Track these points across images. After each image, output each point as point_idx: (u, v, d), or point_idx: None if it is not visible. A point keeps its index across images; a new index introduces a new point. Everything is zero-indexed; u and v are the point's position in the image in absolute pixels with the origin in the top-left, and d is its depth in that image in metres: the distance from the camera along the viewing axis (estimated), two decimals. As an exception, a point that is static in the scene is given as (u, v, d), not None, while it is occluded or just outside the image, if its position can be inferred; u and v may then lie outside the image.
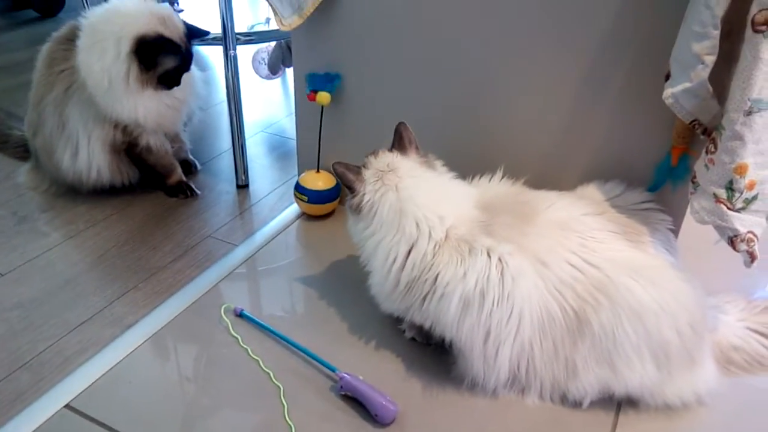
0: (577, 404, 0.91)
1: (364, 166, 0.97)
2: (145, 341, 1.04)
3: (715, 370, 0.91)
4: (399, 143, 0.99)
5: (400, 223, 0.91)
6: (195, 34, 1.34)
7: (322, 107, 1.27)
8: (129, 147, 1.40)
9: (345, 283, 1.15)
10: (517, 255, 0.87)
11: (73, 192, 1.45)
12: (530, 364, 0.88)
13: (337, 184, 1.34)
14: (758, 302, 1.03)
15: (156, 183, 1.48)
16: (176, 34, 1.29)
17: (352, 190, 0.96)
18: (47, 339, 1.05)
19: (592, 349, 0.85)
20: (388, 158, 0.97)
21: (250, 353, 1.01)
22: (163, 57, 1.28)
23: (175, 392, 0.95)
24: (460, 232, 0.90)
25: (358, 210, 0.95)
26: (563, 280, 0.86)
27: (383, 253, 0.93)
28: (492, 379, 0.90)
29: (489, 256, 0.86)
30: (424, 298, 0.90)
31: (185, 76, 1.35)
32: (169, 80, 1.31)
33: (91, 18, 1.29)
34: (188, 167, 1.56)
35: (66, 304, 1.13)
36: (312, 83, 1.26)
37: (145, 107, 1.31)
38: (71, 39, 1.31)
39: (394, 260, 0.91)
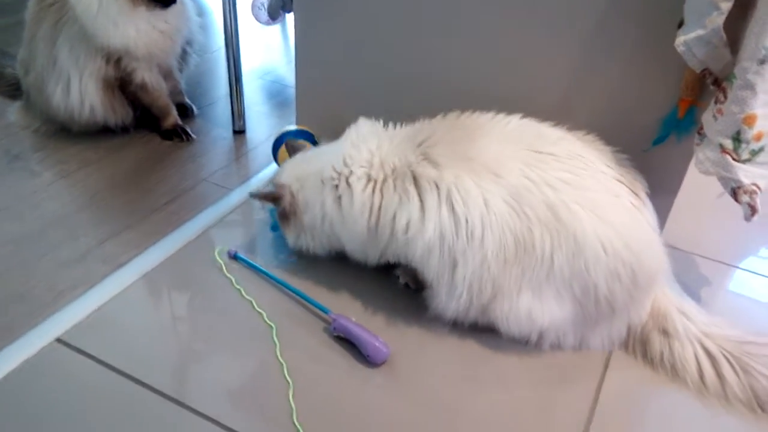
0: (497, 332, 0.90)
1: (276, 181, 1.02)
2: (137, 280, 1.03)
3: (623, 334, 0.89)
4: (293, 151, 1.07)
5: (324, 180, 0.95)
6: None
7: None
8: (123, 84, 1.37)
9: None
10: (463, 177, 0.85)
11: (65, 132, 1.42)
12: (480, 284, 0.86)
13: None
14: (730, 326, 0.91)
15: (151, 125, 1.45)
16: None
17: (278, 203, 1.00)
18: (39, 275, 1.04)
19: (525, 272, 0.83)
20: (293, 163, 1.04)
21: (243, 294, 1.00)
22: None
23: (167, 330, 0.94)
24: (396, 166, 0.90)
25: (295, 210, 0.99)
26: (518, 189, 0.83)
27: (340, 226, 0.95)
28: (452, 307, 0.89)
29: (437, 189, 0.85)
30: (390, 241, 0.91)
31: (179, 2, 1.31)
32: None
33: None
34: (185, 111, 1.53)
35: (58, 242, 1.11)
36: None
37: (136, 30, 1.28)
38: None
39: (352, 221, 0.93)
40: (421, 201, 0.86)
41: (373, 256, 0.97)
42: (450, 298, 0.88)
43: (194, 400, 0.83)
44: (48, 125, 1.43)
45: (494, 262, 0.84)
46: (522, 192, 0.83)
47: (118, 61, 1.33)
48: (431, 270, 0.88)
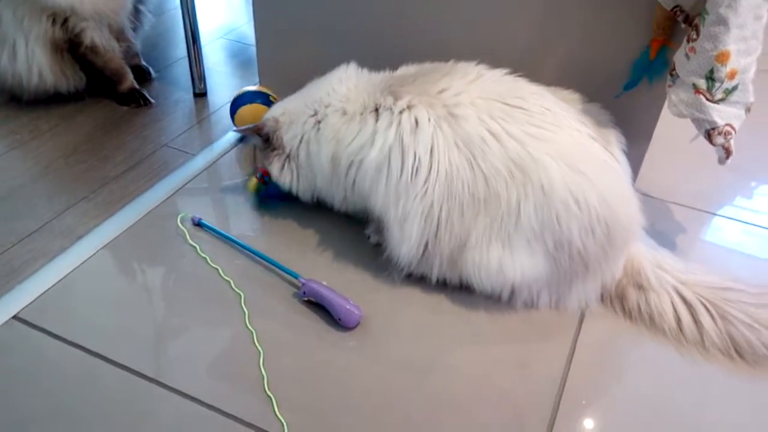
0: (469, 288, 0.89)
1: (263, 126, 1.01)
2: (96, 252, 0.99)
3: (598, 292, 0.88)
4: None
5: (307, 116, 0.96)
6: None
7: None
8: (72, 46, 1.29)
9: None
10: (417, 106, 0.85)
11: (15, 101, 1.34)
12: (436, 231, 0.84)
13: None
14: (707, 273, 0.90)
15: (107, 90, 1.38)
16: None
17: (262, 130, 1.01)
18: (-9, 251, 0.99)
19: (493, 223, 0.81)
20: (274, 109, 1.03)
21: (209, 262, 0.97)
22: None
23: (129, 302, 0.91)
24: (365, 101, 0.90)
25: (278, 141, 0.99)
26: (472, 138, 0.81)
27: (316, 157, 0.95)
28: (405, 248, 0.87)
29: (391, 113, 0.86)
30: (348, 174, 0.91)
31: None
32: None
33: None
34: (142, 74, 1.46)
35: (12, 215, 1.06)
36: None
37: None
38: None
39: (321, 151, 0.94)
40: (375, 126, 0.87)
41: (338, 197, 0.96)
42: (401, 239, 0.86)
43: (161, 373, 0.80)
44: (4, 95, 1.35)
45: (446, 210, 0.82)
46: (476, 141, 0.81)
47: (65, 21, 1.25)
48: (378, 201, 0.87)
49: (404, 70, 0.95)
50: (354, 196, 0.93)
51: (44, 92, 1.32)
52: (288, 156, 0.99)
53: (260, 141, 1.02)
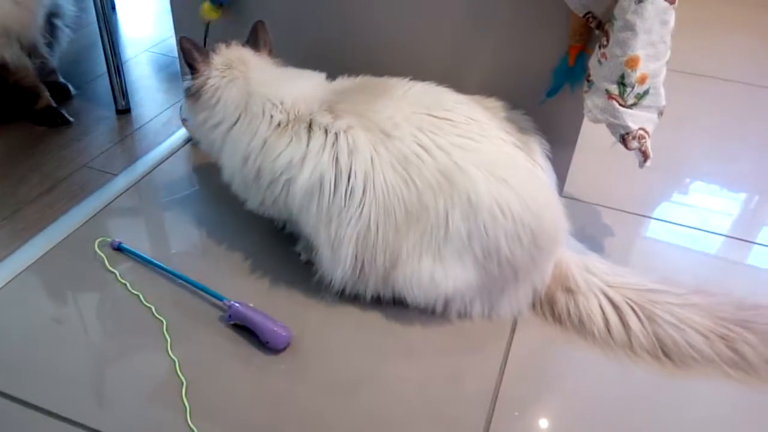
0: (403, 303, 0.87)
1: (213, 51, 0.92)
2: (7, 283, 0.93)
3: (530, 298, 0.88)
4: (254, 41, 0.95)
5: (247, 109, 0.88)
6: None
7: (207, 23, 1.13)
8: None
9: (235, 212, 1.06)
10: (356, 128, 0.83)
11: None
12: (372, 251, 0.83)
13: None
14: (634, 275, 0.89)
15: (21, 109, 1.31)
16: None
17: (194, 70, 0.91)
18: None
19: (423, 236, 0.80)
20: (241, 52, 0.93)
21: (129, 288, 0.92)
22: None
23: (44, 336, 0.85)
24: (301, 112, 0.86)
25: (197, 95, 0.91)
26: (407, 157, 0.80)
27: (232, 144, 0.90)
28: (339, 271, 0.85)
29: (326, 135, 0.83)
30: (270, 188, 0.87)
31: None
32: None
33: None
34: (61, 92, 1.39)
35: None
36: None
37: None
38: None
39: (242, 151, 0.88)
40: (308, 144, 0.83)
41: (253, 201, 0.93)
42: (335, 262, 0.84)
43: (76, 412, 0.75)
44: None
45: (382, 230, 0.81)
46: (411, 159, 0.80)
47: None
48: (309, 223, 0.85)
49: (341, 83, 0.92)
50: (275, 209, 0.91)
51: None
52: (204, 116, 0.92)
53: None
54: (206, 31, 1.14)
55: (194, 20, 1.14)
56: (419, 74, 0.93)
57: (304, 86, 0.89)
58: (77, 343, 0.84)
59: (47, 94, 1.32)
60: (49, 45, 1.36)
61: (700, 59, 1.68)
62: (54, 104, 1.32)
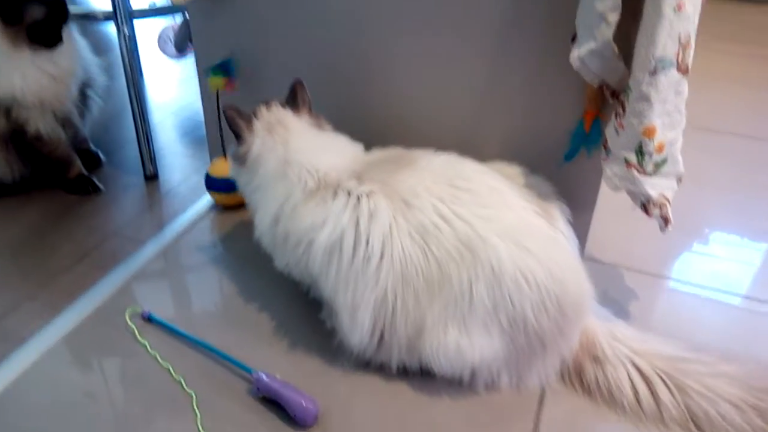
0: (430, 373, 0.87)
1: (255, 115, 0.96)
2: (42, 356, 0.95)
3: (557, 368, 0.87)
4: (293, 100, 0.99)
5: (285, 175, 0.91)
6: None
7: (217, 92, 1.18)
8: (17, 136, 1.26)
9: (262, 278, 1.08)
10: (377, 194, 0.84)
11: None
12: (391, 319, 0.83)
13: None
14: (662, 342, 0.88)
15: (53, 178, 1.36)
16: None
17: (240, 139, 0.95)
18: (-71, 363, 0.94)
19: (448, 306, 0.80)
20: (281, 113, 0.96)
21: (159, 360, 0.93)
22: (28, 5, 1.16)
23: (77, 411, 0.86)
24: (330, 179, 0.89)
25: (243, 160, 0.95)
26: (426, 227, 0.81)
27: (265, 204, 0.93)
28: (357, 336, 0.85)
29: (348, 197, 0.85)
30: (295, 250, 0.89)
31: (67, 41, 1.23)
32: (45, 35, 1.19)
33: None
34: (92, 159, 1.44)
35: (-49, 322, 1.02)
36: (211, 72, 1.18)
37: (21, 76, 1.19)
38: None
39: (274, 212, 0.91)
40: (331, 205, 0.86)
41: (279, 261, 0.95)
42: (353, 327, 0.85)
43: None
44: None
45: (400, 298, 0.82)
46: (430, 229, 0.81)
47: (8, 111, 1.23)
48: (328, 286, 0.86)
49: (374, 155, 0.95)
50: (298, 270, 0.92)
51: None
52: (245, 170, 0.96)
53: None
54: (217, 98, 1.21)
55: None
56: (437, 141, 0.95)
57: (339, 156, 0.93)
58: (109, 419, 0.85)
59: (79, 162, 1.37)
60: (81, 114, 1.42)
61: (703, 113, 1.68)
62: (85, 172, 1.37)
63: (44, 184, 1.36)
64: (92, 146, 1.46)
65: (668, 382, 0.81)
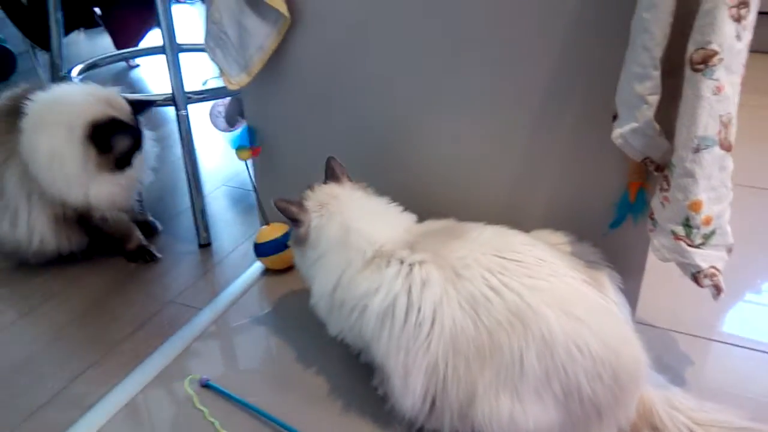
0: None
1: (303, 199, 1.01)
2: (105, 424, 0.99)
3: None
4: (332, 176, 1.04)
5: (346, 243, 0.94)
6: (140, 109, 1.35)
7: (246, 162, 1.27)
8: (81, 218, 1.35)
9: (314, 343, 1.12)
10: (429, 264, 0.87)
11: (29, 266, 1.39)
12: (443, 385, 0.85)
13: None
14: (720, 411, 0.87)
15: (113, 248, 1.43)
16: (125, 114, 1.30)
17: (297, 222, 0.99)
18: (4, 428, 0.98)
19: (499, 374, 0.81)
20: (327, 189, 1.01)
21: (217, 427, 0.96)
22: (117, 138, 1.28)
23: (139, 479, 0.89)
24: (386, 249, 0.92)
25: (305, 239, 0.99)
26: (476, 297, 0.84)
27: (325, 273, 0.96)
28: (408, 401, 0.87)
29: (401, 265, 0.88)
30: (350, 316, 0.91)
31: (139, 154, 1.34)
32: (125, 162, 1.31)
33: (38, 103, 1.27)
34: (150, 229, 1.52)
35: (22, 389, 1.06)
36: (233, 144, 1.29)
37: (97, 191, 1.29)
38: (11, 113, 1.28)
39: (334, 279, 0.94)
40: (384, 274, 0.89)
41: (334, 329, 0.98)
42: (405, 391, 0.87)
43: None
44: (8, 259, 1.39)
45: (451, 365, 0.83)
46: (479, 299, 0.84)
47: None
48: (380, 350, 0.88)
49: (427, 226, 1.00)
50: (351, 336, 0.95)
51: (42, 256, 1.36)
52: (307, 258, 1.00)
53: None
54: (247, 167, 1.30)
55: (272, 161, 1.26)
56: (480, 211, 0.99)
57: (393, 226, 0.97)
58: (171, 487, 0.88)
59: (138, 234, 1.44)
60: (139, 192, 1.50)
61: (748, 169, 1.68)
62: (144, 242, 1.44)
63: (104, 252, 1.43)
64: (150, 217, 1.54)
65: None
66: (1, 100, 1.34)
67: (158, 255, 1.43)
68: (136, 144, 1.33)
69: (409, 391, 0.86)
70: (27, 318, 1.25)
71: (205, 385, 1.04)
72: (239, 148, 1.24)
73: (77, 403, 1.03)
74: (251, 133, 1.27)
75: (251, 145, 1.25)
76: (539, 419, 0.82)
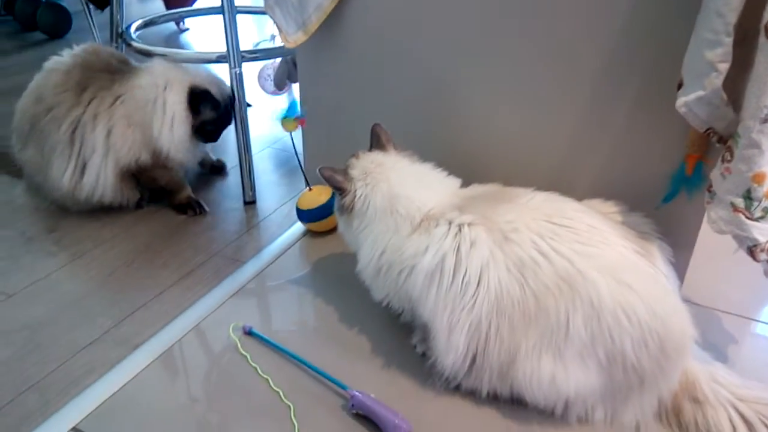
0: (521, 402, 0.88)
1: (348, 167, 1.01)
2: (152, 361, 1.03)
3: (654, 407, 0.86)
4: (377, 143, 1.04)
5: (393, 209, 0.95)
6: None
7: (291, 133, 1.29)
8: (142, 172, 1.44)
9: (355, 299, 1.13)
10: (478, 226, 0.87)
11: (80, 212, 1.45)
12: (485, 344, 0.85)
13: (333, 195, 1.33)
14: (765, 389, 0.86)
15: (163, 200, 1.49)
16: (220, 94, 1.46)
17: (342, 191, 1.00)
18: (54, 361, 1.03)
19: (543, 336, 0.82)
20: (372, 156, 1.02)
21: (260, 372, 0.99)
22: (205, 107, 1.42)
23: (184, 413, 0.93)
24: (434, 213, 0.93)
25: (350, 208, 0.99)
26: (524, 261, 0.84)
27: (372, 240, 0.97)
28: (450, 358, 0.88)
29: (449, 226, 0.89)
30: (398, 278, 0.92)
31: None
32: (206, 133, 1.46)
33: (157, 66, 1.43)
34: (217, 169, 1.67)
35: (73, 325, 1.11)
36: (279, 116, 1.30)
37: (188, 152, 1.45)
38: (108, 70, 1.41)
39: (382, 245, 0.95)
40: (433, 233, 0.90)
41: (379, 293, 0.99)
42: (448, 348, 0.87)
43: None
44: (54, 204, 1.47)
45: (494, 326, 0.84)
46: (528, 263, 0.84)
47: (154, 155, 1.41)
48: (427, 309, 0.88)
49: (473, 190, 1.00)
50: (397, 298, 0.96)
51: (93, 206, 1.44)
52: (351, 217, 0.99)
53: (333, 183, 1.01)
54: (292, 138, 1.31)
55: (319, 126, 1.27)
56: (530, 179, 0.99)
57: (440, 190, 0.97)
58: (213, 421, 0.91)
59: (188, 188, 1.50)
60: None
61: None
62: (193, 196, 1.49)
63: (155, 205, 1.49)
64: (213, 156, 1.66)
65: None
66: (73, 56, 1.42)
67: (206, 208, 1.47)
68: (221, 121, 1.47)
69: (451, 349, 0.87)
70: (79, 261, 1.30)
71: (249, 333, 1.07)
72: (285, 119, 1.26)
73: (125, 342, 1.07)
74: (296, 105, 1.28)
75: (297, 117, 1.26)
76: (580, 383, 0.82)
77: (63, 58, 1.42)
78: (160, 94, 1.38)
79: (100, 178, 1.39)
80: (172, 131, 1.38)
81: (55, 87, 1.37)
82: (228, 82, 1.48)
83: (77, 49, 1.44)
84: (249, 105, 1.52)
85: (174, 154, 1.41)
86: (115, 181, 1.40)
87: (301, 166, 1.36)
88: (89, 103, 1.36)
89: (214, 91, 1.44)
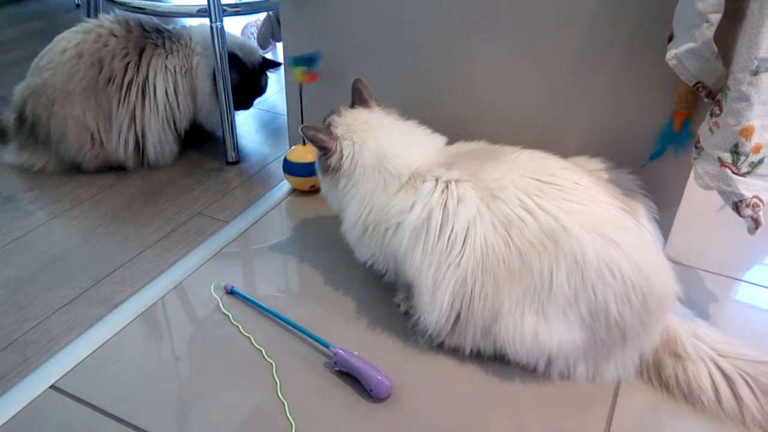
0: (504, 359, 0.88)
1: (331, 125, 0.98)
2: (132, 320, 1.01)
3: (636, 363, 0.87)
4: (359, 99, 1.01)
5: (382, 167, 0.93)
6: (268, 65, 1.58)
7: (300, 84, 1.23)
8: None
9: (338, 260, 1.13)
10: (466, 182, 0.87)
11: (59, 172, 1.42)
12: (469, 301, 0.85)
13: None
14: (745, 346, 0.87)
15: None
16: (249, 59, 1.51)
17: (326, 150, 0.97)
18: (32, 319, 1.02)
19: (527, 293, 0.82)
20: (356, 113, 0.99)
21: (242, 331, 0.98)
22: (232, 71, 1.44)
23: (165, 371, 0.92)
24: (421, 170, 0.92)
25: (337, 168, 0.96)
26: (510, 219, 0.83)
27: (359, 199, 0.95)
28: (434, 316, 0.87)
29: (436, 182, 0.88)
30: (384, 236, 0.91)
31: None
32: (237, 98, 1.48)
33: (195, 30, 1.47)
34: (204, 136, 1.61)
35: (51, 284, 1.10)
36: (294, 62, 1.23)
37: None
38: (153, 36, 1.42)
39: (369, 205, 0.93)
40: (420, 189, 0.89)
41: (364, 253, 0.98)
42: (432, 307, 0.87)
43: (193, 445, 0.80)
44: (59, 165, 1.43)
45: (479, 283, 0.84)
46: (514, 221, 0.83)
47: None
48: (412, 266, 0.88)
49: (458, 147, 0.98)
50: (383, 257, 0.95)
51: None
52: (337, 177, 0.97)
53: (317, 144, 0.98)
54: (300, 92, 1.26)
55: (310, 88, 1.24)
56: (517, 136, 0.97)
57: (427, 148, 0.96)
58: (195, 380, 0.90)
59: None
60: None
61: None
62: None
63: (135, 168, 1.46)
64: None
65: (752, 384, 0.80)
66: (117, 22, 1.41)
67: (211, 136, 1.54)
68: (248, 86, 1.53)
69: (435, 306, 0.87)
70: (57, 220, 1.28)
71: (231, 292, 1.06)
72: (296, 67, 1.19)
73: (105, 301, 1.06)
74: (316, 58, 1.21)
75: (310, 69, 1.20)
76: (563, 339, 0.82)
77: (105, 22, 1.40)
78: (201, 59, 1.43)
79: (162, 140, 1.43)
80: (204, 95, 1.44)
81: (113, 52, 1.37)
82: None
83: (105, 19, 1.43)
84: (279, 64, 1.55)
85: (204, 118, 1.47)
86: (174, 141, 1.45)
87: (302, 119, 1.31)
88: (148, 67, 1.39)
89: (242, 55, 1.48)
